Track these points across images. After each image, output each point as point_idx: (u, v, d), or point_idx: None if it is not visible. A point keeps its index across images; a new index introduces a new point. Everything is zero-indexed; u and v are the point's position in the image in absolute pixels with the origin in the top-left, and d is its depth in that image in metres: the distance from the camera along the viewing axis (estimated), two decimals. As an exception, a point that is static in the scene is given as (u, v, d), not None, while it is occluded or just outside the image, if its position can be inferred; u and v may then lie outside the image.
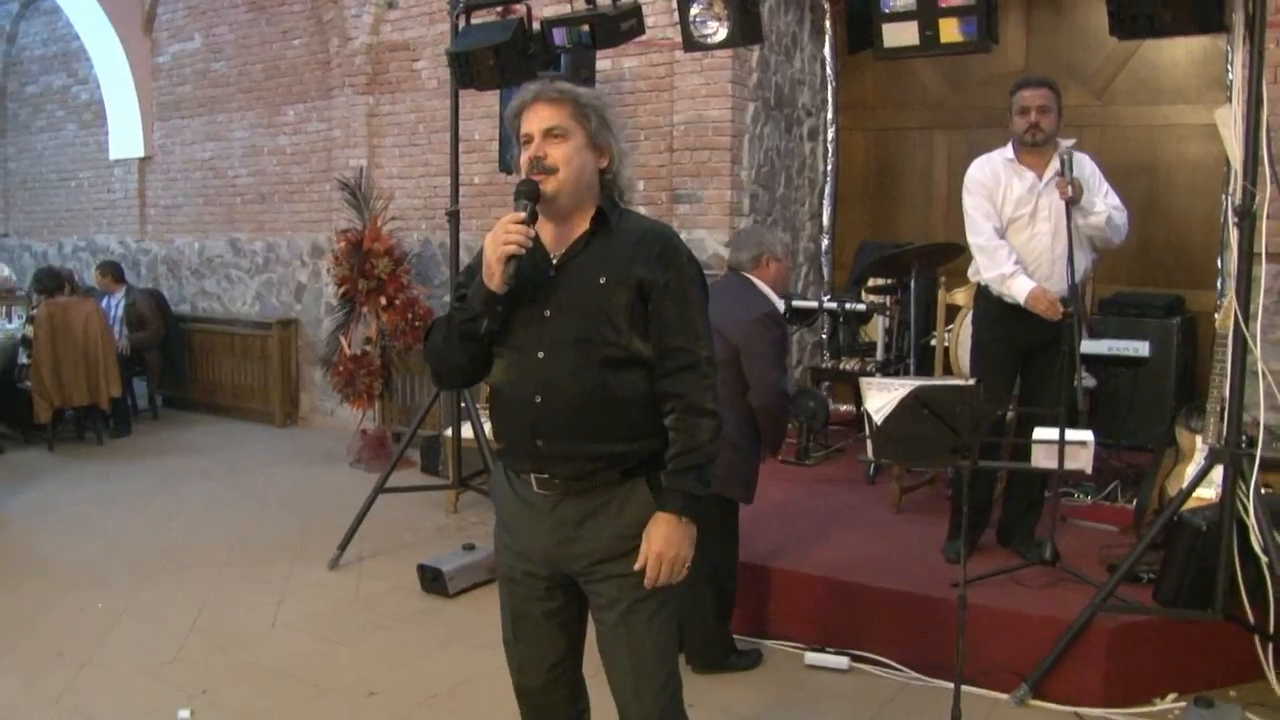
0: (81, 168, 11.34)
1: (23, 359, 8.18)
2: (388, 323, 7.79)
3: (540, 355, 2.36)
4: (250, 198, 9.73)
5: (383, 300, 7.73)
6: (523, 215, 2.28)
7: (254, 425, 9.35)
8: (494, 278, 2.28)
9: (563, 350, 2.33)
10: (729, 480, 3.98)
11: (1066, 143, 4.33)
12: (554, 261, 2.40)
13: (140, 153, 10.49)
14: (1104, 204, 4.34)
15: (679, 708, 2.52)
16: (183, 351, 9.82)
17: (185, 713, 3.81)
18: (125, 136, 10.58)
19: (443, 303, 8.17)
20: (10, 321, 8.93)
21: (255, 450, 8.40)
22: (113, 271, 9.41)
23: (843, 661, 4.19)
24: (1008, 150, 4.47)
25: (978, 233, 4.49)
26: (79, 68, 11.13)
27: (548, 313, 2.36)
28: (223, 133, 9.87)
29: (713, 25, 4.58)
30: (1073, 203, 4.18)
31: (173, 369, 9.64)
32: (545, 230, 2.42)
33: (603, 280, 2.34)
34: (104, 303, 9.06)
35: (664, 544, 2.35)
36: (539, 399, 2.35)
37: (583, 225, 2.41)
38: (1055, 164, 4.33)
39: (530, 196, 2.32)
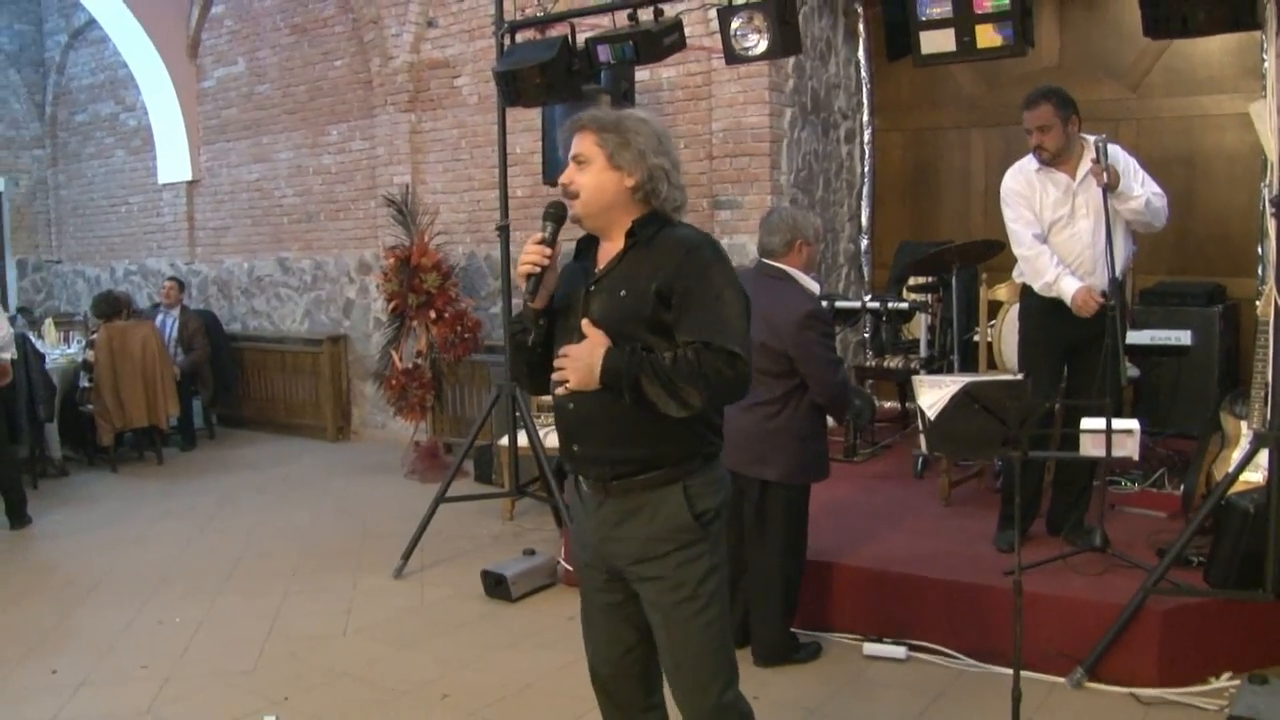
0: (131, 193, 11.63)
1: (84, 383, 8.44)
2: (437, 336, 7.96)
3: None
4: (297, 217, 9.96)
5: (432, 314, 7.92)
6: (542, 236, 2.49)
7: (307, 440, 9.57)
8: (525, 295, 2.51)
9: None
10: (807, 468, 4.15)
11: (1094, 138, 4.41)
12: (595, 277, 2.55)
13: (188, 176, 10.76)
14: (1141, 189, 4.42)
15: (731, 705, 2.60)
16: (235, 370, 10.07)
17: (270, 719, 3.97)
18: (173, 161, 10.86)
19: (489, 314, 8.36)
20: (70, 346, 9.19)
21: (310, 464, 8.61)
22: (181, 287, 9.68)
23: (900, 651, 4.30)
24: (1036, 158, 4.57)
25: (1019, 243, 4.62)
26: (126, 95, 11.43)
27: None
28: (268, 154, 10.11)
29: (753, 38, 4.70)
30: (1110, 189, 4.26)
31: (226, 387, 9.89)
32: (601, 249, 2.60)
33: (623, 294, 2.47)
34: (159, 320, 9.31)
35: (583, 348, 2.41)
36: (571, 405, 2.52)
37: (620, 242, 2.55)
38: (1086, 163, 4.42)
39: (555, 219, 2.54)
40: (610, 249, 2.57)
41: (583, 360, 2.40)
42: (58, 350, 8.98)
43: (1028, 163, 4.61)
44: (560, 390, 2.44)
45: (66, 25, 12.04)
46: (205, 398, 9.63)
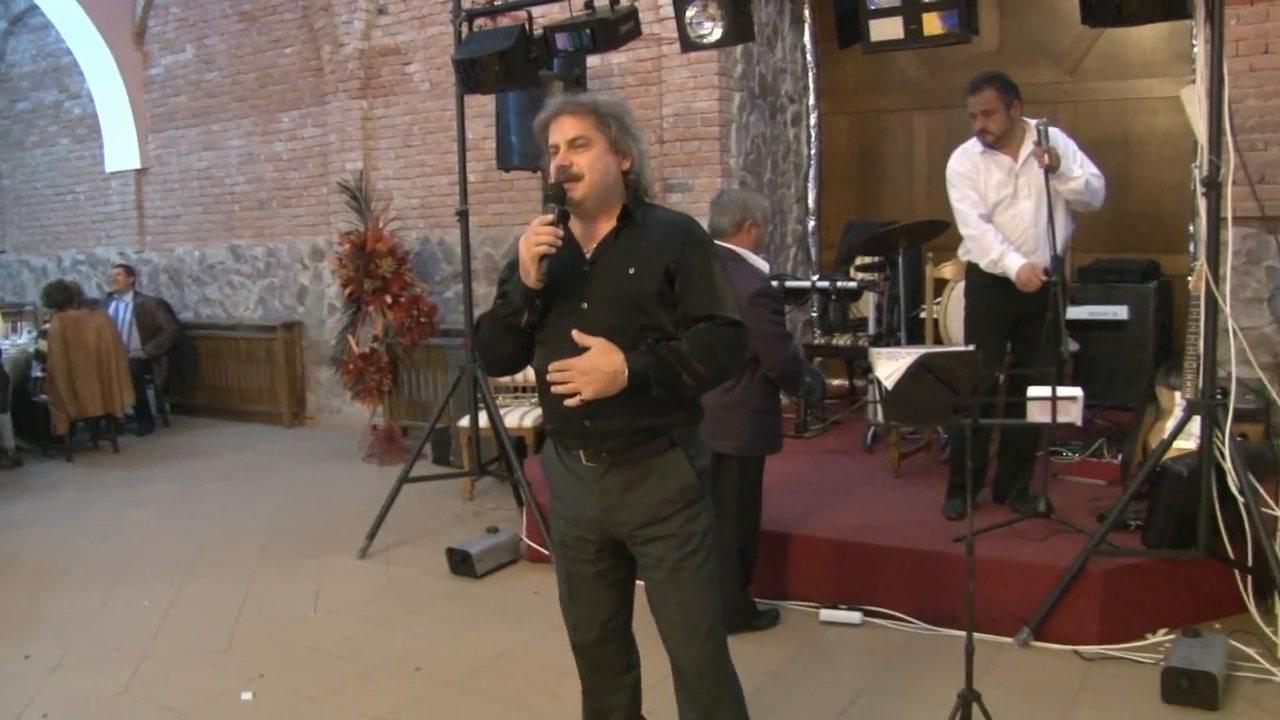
0: (77, 181, 11.53)
1: (37, 372, 8.41)
2: (393, 320, 8.02)
3: (579, 345, 2.58)
4: (249, 204, 9.95)
5: (388, 299, 7.98)
6: (551, 217, 2.52)
7: (263, 427, 9.60)
8: (530, 275, 2.52)
9: (601, 336, 2.53)
10: (761, 441, 4.30)
11: (1035, 121, 4.61)
12: (588, 257, 2.64)
13: (136, 165, 10.70)
14: (1081, 170, 4.63)
15: (724, 653, 2.78)
16: (189, 357, 10.05)
17: (248, 695, 4.07)
18: (120, 149, 10.78)
19: (444, 299, 8.44)
20: (21, 336, 9.14)
21: (268, 450, 8.65)
22: (131, 272, 9.65)
23: (855, 616, 4.49)
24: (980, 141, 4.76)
25: (965, 223, 4.81)
26: (70, 82, 11.31)
27: (585, 304, 2.59)
28: (218, 142, 10.09)
29: (708, 26, 4.82)
30: (1052, 170, 4.47)
31: (180, 375, 9.88)
32: (577, 229, 2.66)
33: (632, 270, 2.58)
34: (111, 308, 9.28)
35: (597, 360, 2.48)
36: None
37: (610, 223, 2.65)
38: (1029, 145, 4.62)
39: (558, 200, 2.55)
40: (596, 230, 2.65)
41: (599, 370, 2.47)
42: (8, 340, 8.93)
43: (972, 145, 4.79)
44: (572, 403, 2.49)
45: (6, 11, 11.85)
46: (160, 382, 9.60)
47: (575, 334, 2.51)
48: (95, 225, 11.42)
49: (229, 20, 9.81)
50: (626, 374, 2.47)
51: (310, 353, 9.62)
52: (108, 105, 10.71)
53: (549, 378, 2.54)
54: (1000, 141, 4.68)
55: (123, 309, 9.39)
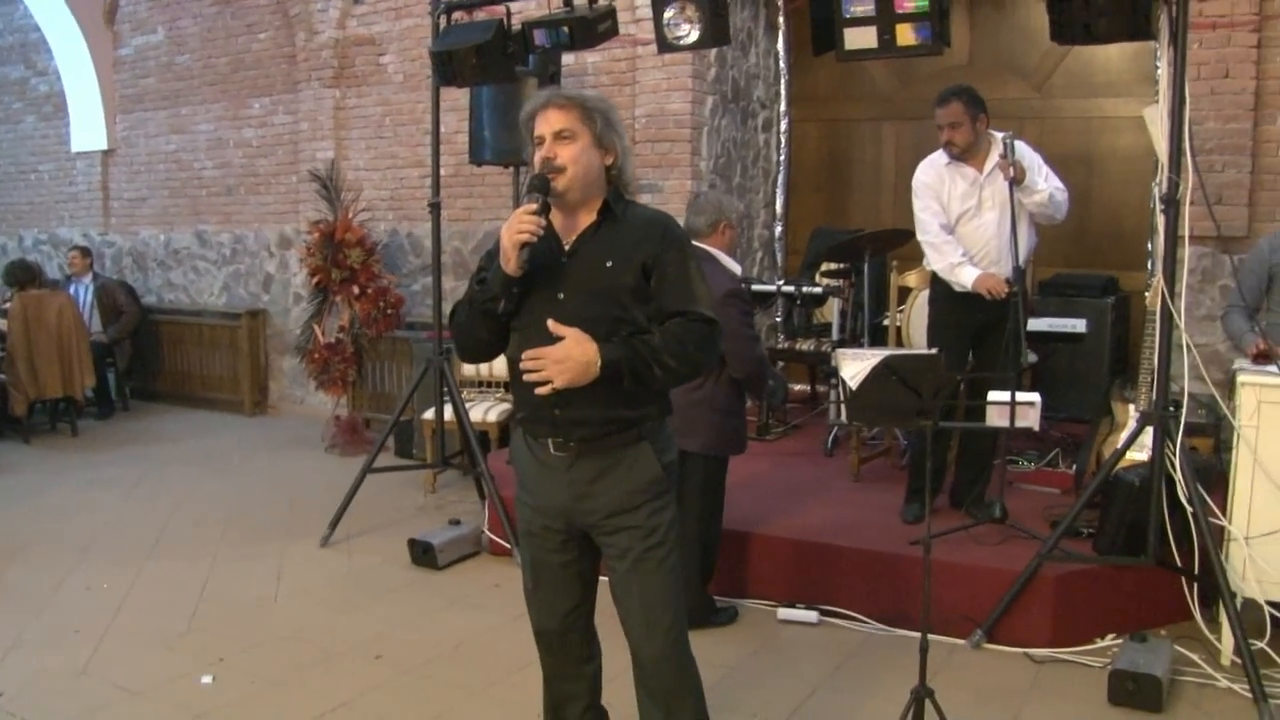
0: (41, 160, 11.39)
1: (-4, 352, 8.33)
2: (360, 311, 8.02)
3: (553, 335, 2.62)
4: (216, 190, 9.90)
5: (355, 289, 7.98)
6: (534, 206, 2.56)
7: (224, 414, 9.55)
8: (510, 263, 2.56)
9: (576, 327, 2.57)
10: (725, 441, 4.37)
11: (1000, 134, 4.72)
12: (566, 249, 2.69)
13: (103, 145, 10.60)
14: (1045, 184, 4.75)
15: (685, 645, 2.83)
16: (151, 343, 9.98)
17: (207, 679, 4.07)
18: (87, 129, 10.68)
19: (411, 291, 8.44)
20: (-20, 315, 9.03)
21: (229, 438, 8.61)
22: (87, 254, 9.56)
23: (812, 616, 4.56)
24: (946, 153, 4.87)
25: (925, 231, 4.92)
26: (38, 59, 11.17)
27: (561, 295, 2.64)
28: (187, 125, 10.02)
29: (685, 28, 4.87)
30: (1017, 183, 4.59)
31: (142, 360, 9.81)
32: (558, 221, 2.71)
33: (609, 264, 2.64)
34: (71, 290, 9.21)
35: (570, 349, 2.52)
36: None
37: (591, 216, 2.71)
38: (994, 157, 4.73)
39: (541, 190, 2.60)
40: (576, 222, 2.71)
41: (573, 359, 2.51)
42: (-33, 319, 8.82)
43: (938, 157, 4.90)
44: (543, 390, 2.53)
45: (-28, -15, 11.73)
46: (121, 366, 9.52)
47: (550, 323, 2.55)
48: (59, 205, 11.29)
49: (202, 3, 9.75)
50: (599, 364, 2.52)
51: (274, 341, 9.59)
52: (76, 84, 10.60)
53: (522, 365, 2.57)
54: (965, 154, 4.78)
55: (83, 291, 9.31)
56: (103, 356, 9.08)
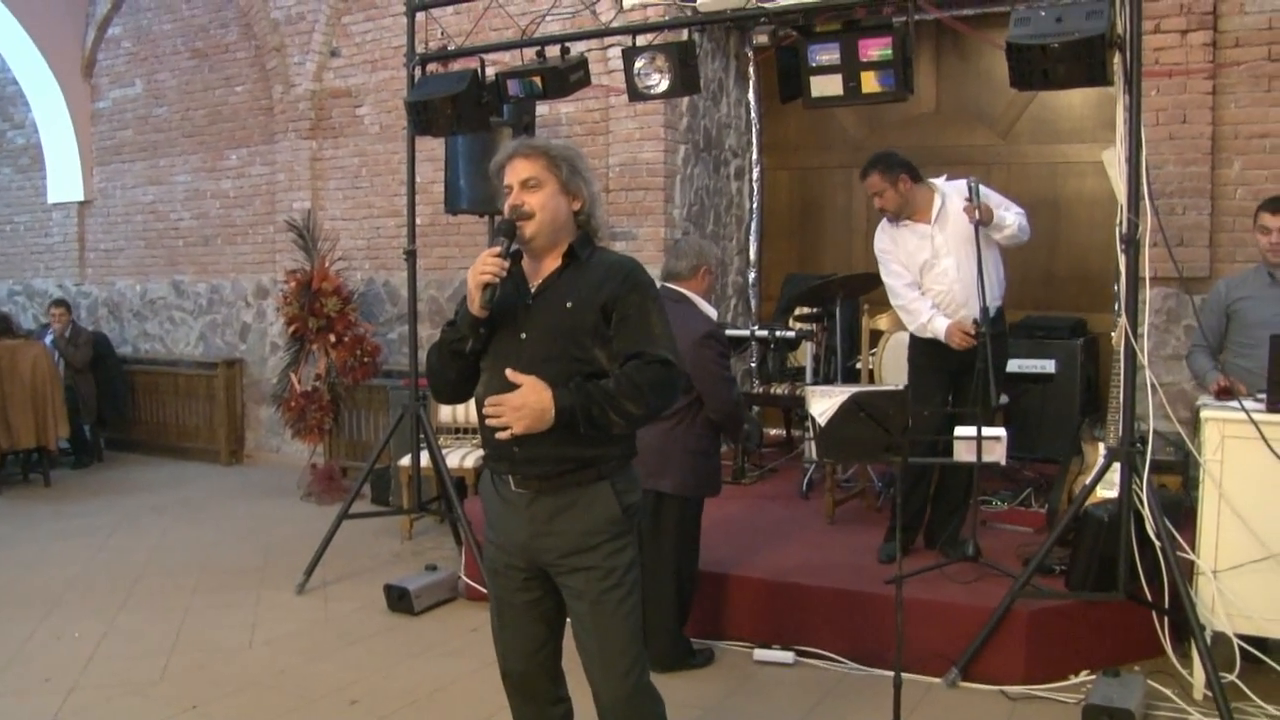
0: (17, 211, 11.40)
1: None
2: (337, 359, 8.04)
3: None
4: (193, 240, 9.93)
5: (331, 338, 8.00)
6: (499, 249, 2.65)
7: (200, 464, 9.51)
8: (474, 303, 2.65)
9: (535, 367, 2.63)
10: (701, 483, 4.40)
11: (939, 181, 4.87)
12: (532, 291, 2.76)
13: (80, 197, 10.63)
14: (1011, 216, 4.88)
15: (647, 687, 2.84)
16: (125, 392, 9.95)
17: (180, 724, 4.06)
18: (64, 181, 10.71)
19: (387, 339, 8.47)
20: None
21: (205, 487, 8.58)
22: (68, 309, 9.54)
23: (788, 656, 4.57)
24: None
25: (894, 295, 5.08)
26: (14, 112, 11.22)
27: (524, 335, 2.72)
28: (165, 177, 10.07)
29: (655, 77, 4.98)
30: (984, 224, 4.69)
31: (116, 409, 9.77)
32: (527, 265, 2.80)
33: (569, 305, 2.70)
34: (46, 340, 9.18)
35: (527, 397, 2.55)
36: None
37: (557, 260, 2.78)
38: (938, 203, 4.88)
39: (508, 234, 2.70)
40: (543, 266, 2.78)
41: (529, 406, 2.55)
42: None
43: (887, 221, 5.06)
44: (503, 435, 2.58)
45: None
46: (87, 418, 9.45)
47: (509, 372, 2.60)
48: (34, 256, 11.28)
49: (180, 56, 9.85)
50: (554, 411, 2.56)
51: (251, 391, 9.58)
52: (53, 137, 10.66)
53: (484, 411, 2.63)
54: (904, 213, 4.93)
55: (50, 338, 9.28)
56: (75, 403, 9.02)
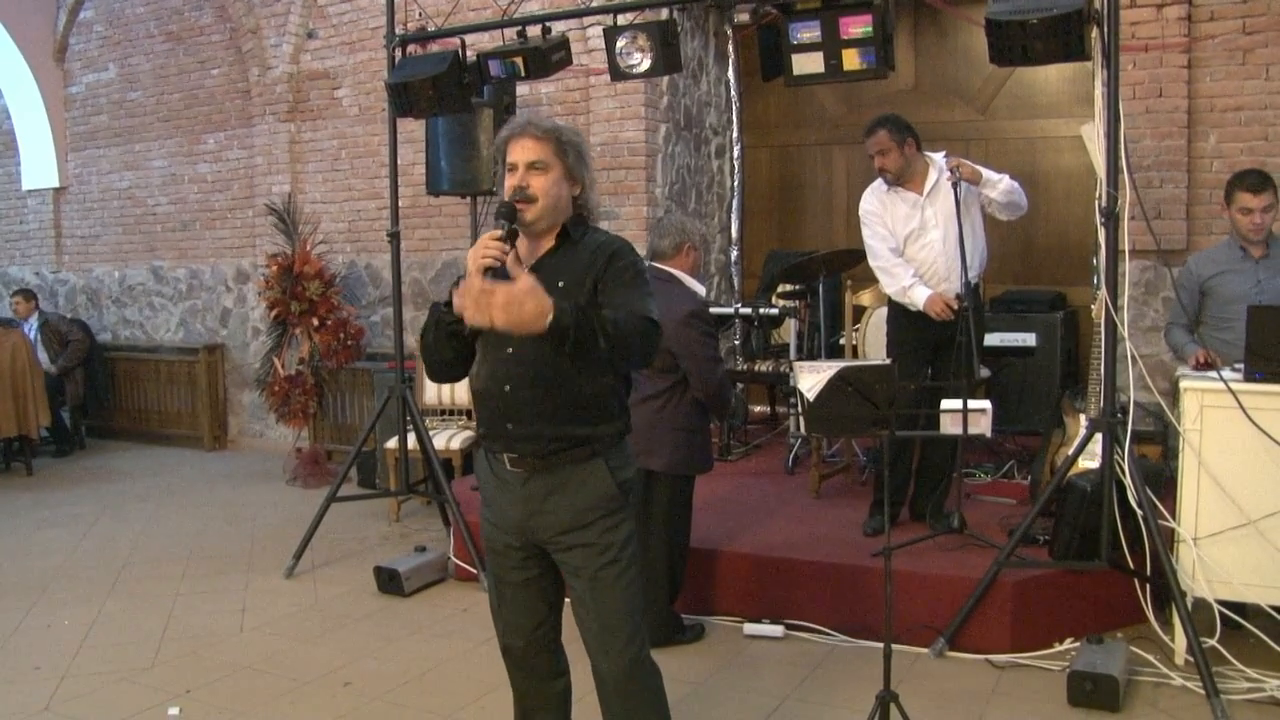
0: (-10, 199, 11.32)
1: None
2: (320, 343, 8.03)
3: (509, 351, 2.71)
4: (171, 225, 9.87)
5: (314, 321, 7.99)
6: (500, 233, 2.62)
7: (183, 450, 9.49)
8: (474, 287, 2.62)
9: (528, 346, 2.64)
10: (690, 460, 4.42)
11: (936, 155, 4.89)
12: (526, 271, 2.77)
13: (55, 183, 10.55)
14: (1000, 176, 4.91)
15: (646, 663, 2.86)
16: (106, 380, 9.91)
17: (175, 710, 4.06)
18: (38, 167, 10.63)
19: (370, 322, 8.47)
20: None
21: (189, 473, 8.57)
22: (31, 297, 9.49)
23: (778, 630, 4.62)
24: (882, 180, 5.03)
25: (875, 256, 5.06)
26: (-14, 99, 11.12)
27: None
28: (141, 162, 10.00)
29: (637, 56, 4.99)
30: (974, 183, 4.73)
31: (96, 397, 9.74)
32: (522, 246, 2.78)
33: (561, 284, 2.70)
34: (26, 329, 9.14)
35: (523, 295, 2.37)
36: (508, 388, 2.72)
37: (550, 240, 2.79)
38: (933, 176, 4.88)
39: (509, 218, 2.66)
40: (538, 247, 2.79)
41: (521, 305, 2.36)
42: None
43: (879, 184, 5.05)
44: (470, 319, 2.43)
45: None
46: (74, 401, 9.43)
47: (510, 265, 2.53)
48: (9, 244, 11.20)
49: (154, 40, 9.77)
50: (550, 319, 2.40)
51: (233, 376, 9.56)
52: (26, 123, 10.56)
53: (455, 300, 2.53)
54: (901, 178, 4.94)
55: (30, 330, 9.22)
56: (55, 392, 8.99)
